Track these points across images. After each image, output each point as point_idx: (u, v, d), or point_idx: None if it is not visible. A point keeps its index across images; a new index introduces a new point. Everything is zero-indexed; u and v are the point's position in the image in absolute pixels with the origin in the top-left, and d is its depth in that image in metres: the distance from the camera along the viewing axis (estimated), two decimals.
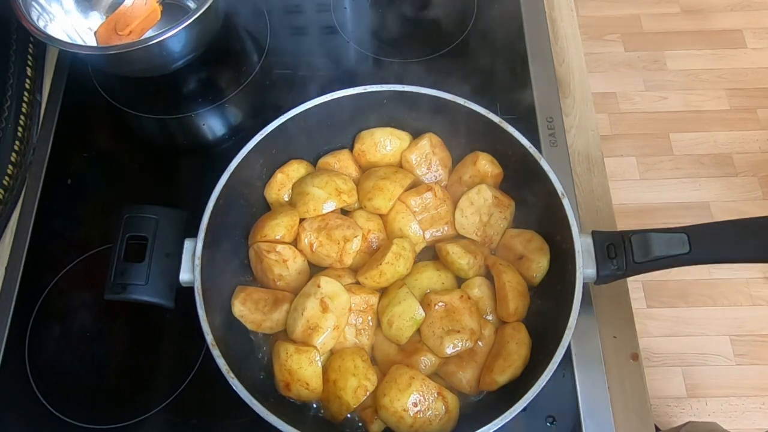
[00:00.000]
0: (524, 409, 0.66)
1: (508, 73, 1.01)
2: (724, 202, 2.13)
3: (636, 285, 2.05)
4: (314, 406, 0.76)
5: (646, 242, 0.72)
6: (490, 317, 0.79)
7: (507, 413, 0.65)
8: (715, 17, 2.48)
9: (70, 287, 0.90)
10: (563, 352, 0.68)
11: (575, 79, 1.01)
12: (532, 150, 0.78)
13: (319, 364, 0.72)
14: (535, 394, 0.66)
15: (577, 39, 1.05)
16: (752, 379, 1.89)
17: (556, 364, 0.67)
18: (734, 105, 2.30)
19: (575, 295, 0.70)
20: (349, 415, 0.74)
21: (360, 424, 0.75)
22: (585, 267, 0.73)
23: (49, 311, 0.89)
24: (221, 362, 0.68)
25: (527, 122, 0.95)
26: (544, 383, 0.67)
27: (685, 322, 1.98)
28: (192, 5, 1.10)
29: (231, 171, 0.78)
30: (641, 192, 2.16)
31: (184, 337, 0.86)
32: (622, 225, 0.93)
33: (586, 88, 0.99)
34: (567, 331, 0.68)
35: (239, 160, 0.79)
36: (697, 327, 1.97)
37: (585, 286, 0.72)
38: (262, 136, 0.81)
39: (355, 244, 0.78)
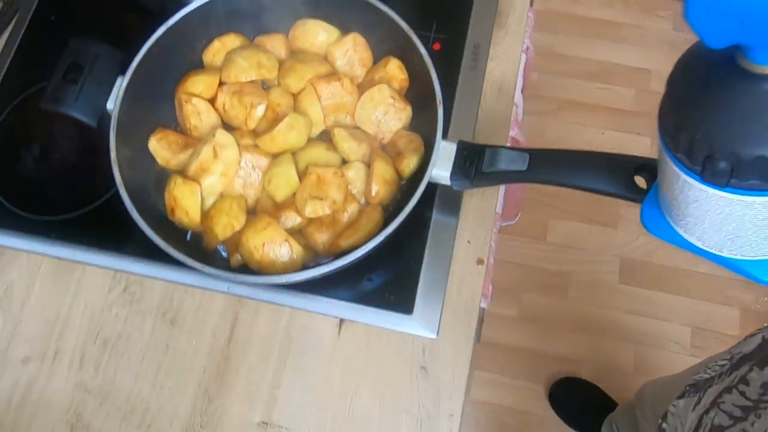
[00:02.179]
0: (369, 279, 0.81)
1: None
2: None
3: (613, 259, 2.10)
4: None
5: (495, 156, 0.81)
6: (361, 200, 0.90)
7: (332, 264, 0.79)
8: None
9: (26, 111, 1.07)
10: (393, 228, 0.79)
11: (515, 13, 1.06)
12: (426, 57, 0.87)
13: (199, 197, 0.86)
14: (361, 254, 0.78)
15: None
16: None
17: (385, 235, 0.79)
18: None
19: (420, 186, 0.81)
20: (218, 246, 0.89)
21: (225, 254, 0.89)
22: (440, 168, 0.82)
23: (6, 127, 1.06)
24: (117, 173, 0.83)
25: (456, 43, 1.03)
26: (370, 248, 0.79)
27: (654, 305, 2.03)
28: None
29: (168, 26, 0.91)
30: None
31: None
32: None
33: (522, 25, 1.04)
34: (401, 214, 0.80)
35: (176, 20, 0.91)
36: (664, 312, 2.02)
37: (454, 191, 0.84)
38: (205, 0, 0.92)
39: (260, 110, 0.90)
